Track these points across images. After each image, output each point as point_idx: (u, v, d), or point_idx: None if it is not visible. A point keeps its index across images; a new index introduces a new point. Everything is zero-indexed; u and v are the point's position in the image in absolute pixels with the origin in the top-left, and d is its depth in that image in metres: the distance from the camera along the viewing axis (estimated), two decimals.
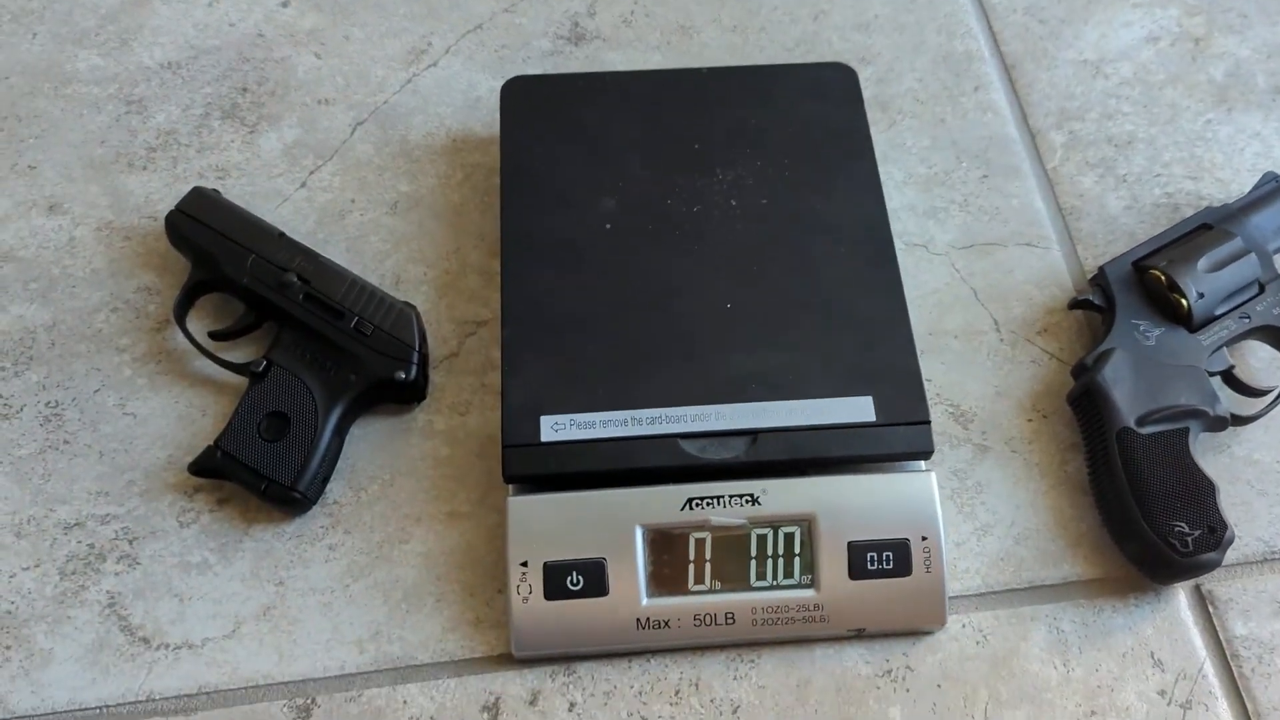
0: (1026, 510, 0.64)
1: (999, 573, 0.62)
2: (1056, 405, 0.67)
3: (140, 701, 0.58)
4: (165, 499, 0.63)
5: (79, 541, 0.62)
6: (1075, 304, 0.68)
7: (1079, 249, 0.73)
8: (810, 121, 0.70)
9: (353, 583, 0.61)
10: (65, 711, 0.58)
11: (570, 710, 0.58)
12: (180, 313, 0.66)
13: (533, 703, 0.58)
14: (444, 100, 0.78)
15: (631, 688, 0.59)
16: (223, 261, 0.65)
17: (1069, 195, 0.75)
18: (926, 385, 0.67)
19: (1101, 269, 0.67)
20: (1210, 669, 0.60)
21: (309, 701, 0.58)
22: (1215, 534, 0.59)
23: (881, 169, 0.74)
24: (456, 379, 0.67)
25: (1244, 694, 0.59)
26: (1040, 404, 0.67)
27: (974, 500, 0.64)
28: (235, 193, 0.73)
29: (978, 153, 0.76)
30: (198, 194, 0.68)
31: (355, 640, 0.60)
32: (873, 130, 0.75)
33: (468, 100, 0.78)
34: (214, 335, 0.66)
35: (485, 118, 0.77)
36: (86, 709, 0.58)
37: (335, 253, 0.70)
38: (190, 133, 0.76)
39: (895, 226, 0.72)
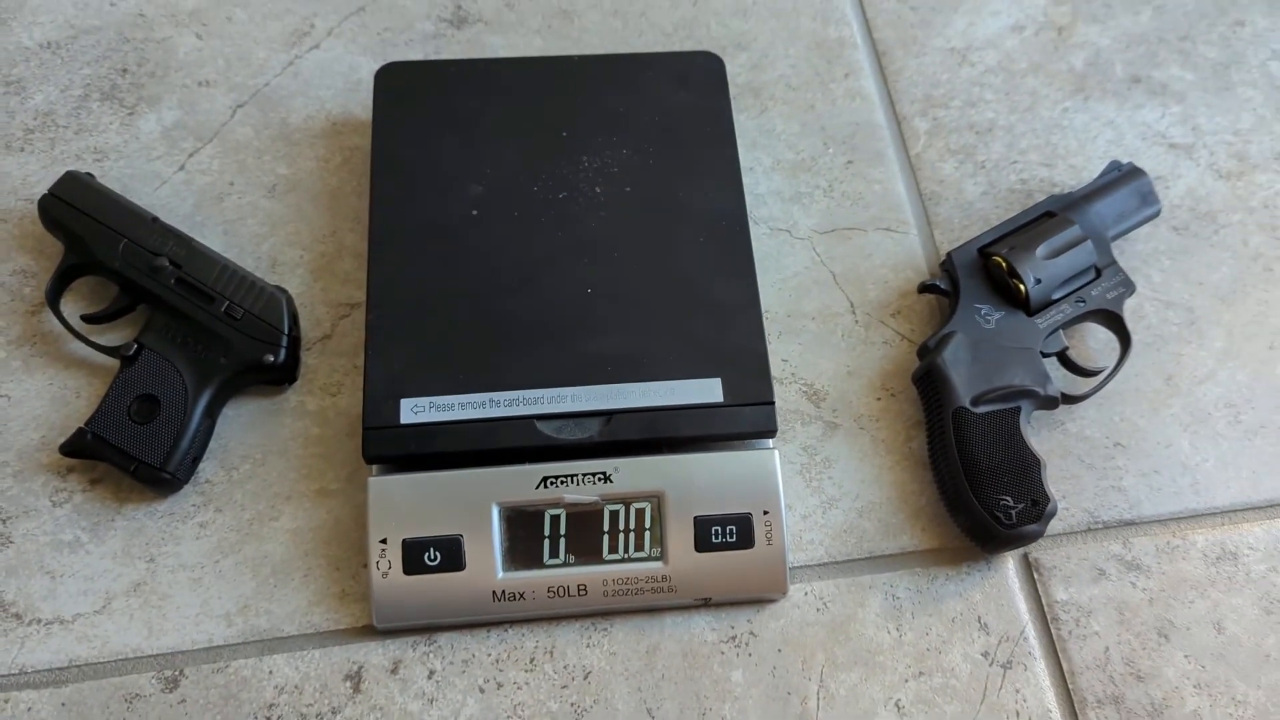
0: (871, 484, 0.67)
1: (842, 544, 0.66)
2: (904, 384, 0.70)
3: (13, 675, 0.60)
4: (39, 479, 0.65)
5: None
6: (924, 288, 0.71)
7: (935, 234, 0.76)
8: (676, 109, 0.72)
9: (222, 559, 0.63)
10: None
11: (430, 678, 0.61)
12: (53, 296, 0.67)
13: (394, 671, 0.61)
14: (325, 83, 0.79)
15: (489, 656, 0.62)
16: (95, 246, 0.67)
17: (929, 181, 0.78)
18: (782, 365, 0.70)
19: (949, 255, 0.71)
20: (1031, 631, 0.64)
21: (177, 673, 0.60)
22: (1038, 507, 0.63)
23: (750, 155, 0.77)
24: (329, 360, 0.69)
25: (1060, 654, 0.63)
26: (889, 383, 0.71)
27: (822, 475, 0.68)
28: (113, 175, 0.74)
29: (845, 139, 0.79)
30: (70, 178, 0.69)
31: (224, 614, 0.62)
32: (744, 116, 0.77)
33: (349, 83, 0.79)
34: (87, 319, 0.67)
35: (365, 101, 0.78)
36: None
37: (212, 236, 0.72)
38: (69, 114, 0.76)
39: (761, 212, 0.75)
